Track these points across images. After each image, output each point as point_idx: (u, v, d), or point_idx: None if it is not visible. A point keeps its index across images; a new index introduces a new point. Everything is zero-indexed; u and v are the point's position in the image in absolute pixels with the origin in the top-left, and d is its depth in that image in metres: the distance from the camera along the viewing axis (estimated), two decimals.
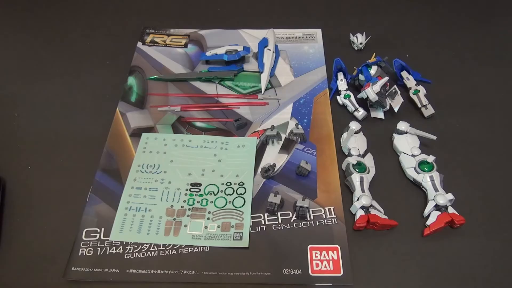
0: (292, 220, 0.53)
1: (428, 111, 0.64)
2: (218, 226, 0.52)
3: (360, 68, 0.66)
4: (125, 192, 0.56)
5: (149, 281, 0.48)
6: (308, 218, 0.53)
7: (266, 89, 0.69)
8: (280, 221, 0.53)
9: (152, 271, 0.49)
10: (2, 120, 0.66)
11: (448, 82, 0.70)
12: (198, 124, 0.64)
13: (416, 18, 0.82)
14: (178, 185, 0.56)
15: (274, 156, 0.60)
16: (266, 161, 0.59)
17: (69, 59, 0.75)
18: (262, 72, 0.70)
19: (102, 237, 0.51)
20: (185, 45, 0.77)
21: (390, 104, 0.63)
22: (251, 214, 0.53)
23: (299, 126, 0.63)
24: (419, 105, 0.65)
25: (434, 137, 0.59)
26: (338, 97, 0.67)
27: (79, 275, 0.49)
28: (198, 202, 0.55)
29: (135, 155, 0.60)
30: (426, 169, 0.56)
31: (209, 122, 0.65)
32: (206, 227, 0.52)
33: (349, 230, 0.52)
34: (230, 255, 0.50)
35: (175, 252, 0.50)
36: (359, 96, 0.64)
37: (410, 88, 0.66)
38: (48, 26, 0.81)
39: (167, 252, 0.50)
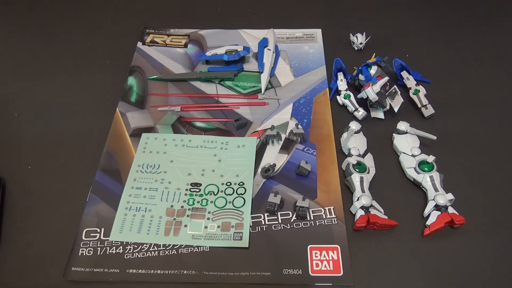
0: (292, 220, 0.53)
1: (428, 111, 0.64)
2: (218, 226, 0.52)
3: (360, 68, 0.66)
4: (125, 192, 0.56)
5: (149, 281, 0.48)
6: (308, 218, 0.53)
7: (266, 89, 0.69)
8: (280, 221, 0.53)
9: (152, 271, 0.49)
10: (2, 120, 0.66)
11: (448, 82, 0.70)
12: (198, 124, 0.64)
13: (416, 18, 0.82)
14: (178, 185, 0.56)
15: (274, 156, 0.60)
16: (266, 161, 0.59)
17: (69, 59, 0.75)
18: (262, 72, 0.70)
19: (102, 237, 0.51)
20: (185, 45, 0.77)
21: (390, 104, 0.63)
22: (251, 214, 0.53)
23: (299, 126, 0.63)
24: (419, 105, 0.65)
25: (434, 137, 0.59)
26: (338, 97, 0.67)
27: (79, 275, 0.49)
28: (198, 202, 0.55)
29: (135, 155, 0.60)
30: (426, 169, 0.56)
31: (209, 122, 0.65)
32: (206, 227, 0.52)
33: (349, 230, 0.52)
34: (230, 255, 0.50)
35: (175, 252, 0.50)
36: (359, 96, 0.64)
37: (410, 88, 0.66)
38: (48, 26, 0.81)
39: (167, 252, 0.50)
